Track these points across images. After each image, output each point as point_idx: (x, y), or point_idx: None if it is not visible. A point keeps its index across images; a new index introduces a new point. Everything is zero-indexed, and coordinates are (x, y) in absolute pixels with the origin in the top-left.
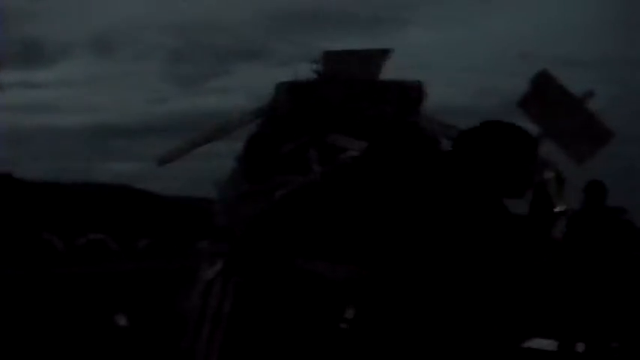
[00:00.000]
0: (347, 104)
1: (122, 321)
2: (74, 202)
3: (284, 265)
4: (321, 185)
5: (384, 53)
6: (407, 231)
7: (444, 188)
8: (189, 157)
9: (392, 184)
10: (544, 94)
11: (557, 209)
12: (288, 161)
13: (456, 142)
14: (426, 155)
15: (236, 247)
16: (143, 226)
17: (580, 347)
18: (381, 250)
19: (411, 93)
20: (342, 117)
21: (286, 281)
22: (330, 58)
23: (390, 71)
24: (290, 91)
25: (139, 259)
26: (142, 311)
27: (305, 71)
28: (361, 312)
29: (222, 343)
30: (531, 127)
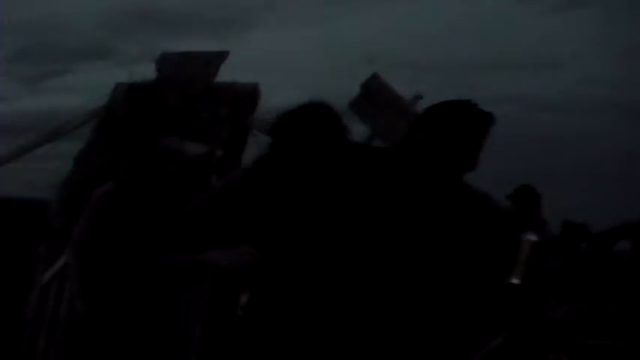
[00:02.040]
0: (182, 106)
1: None
2: None
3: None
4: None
5: (221, 55)
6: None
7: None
8: (27, 158)
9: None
10: (374, 96)
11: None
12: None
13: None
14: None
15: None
16: None
17: None
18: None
19: (245, 95)
20: (178, 119)
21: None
22: (167, 59)
23: (233, 73)
24: (127, 92)
25: None
26: None
27: (146, 72)
28: (257, 298)
29: (61, 346)
30: (362, 129)
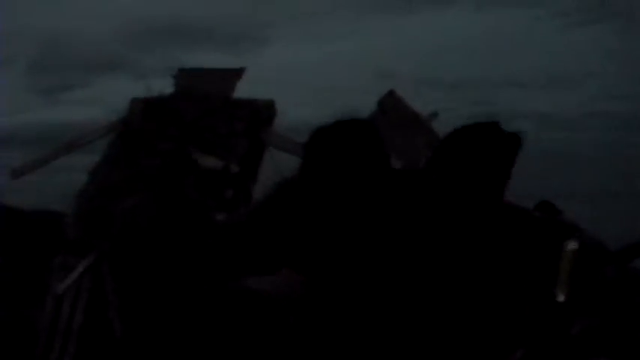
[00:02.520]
0: (200, 120)
1: None
2: None
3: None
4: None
5: (238, 72)
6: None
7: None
8: (43, 170)
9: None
10: (390, 113)
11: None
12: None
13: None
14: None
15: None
16: None
17: None
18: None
19: (262, 111)
20: (195, 133)
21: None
22: (185, 75)
23: (249, 88)
24: (144, 106)
25: None
26: None
27: (164, 86)
28: (303, 320)
29: (74, 357)
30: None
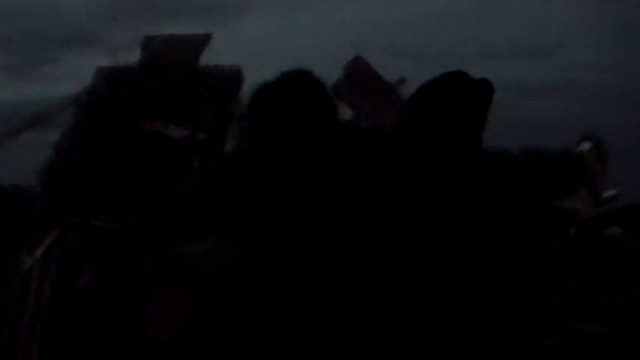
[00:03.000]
0: (165, 89)
1: None
2: None
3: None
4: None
5: (205, 39)
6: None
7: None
8: (9, 146)
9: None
10: (357, 79)
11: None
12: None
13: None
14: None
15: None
16: None
17: None
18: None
19: (228, 78)
20: (160, 102)
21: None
22: (151, 43)
23: (222, 59)
24: (108, 76)
25: None
26: None
27: (135, 59)
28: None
29: (43, 332)
30: (344, 113)
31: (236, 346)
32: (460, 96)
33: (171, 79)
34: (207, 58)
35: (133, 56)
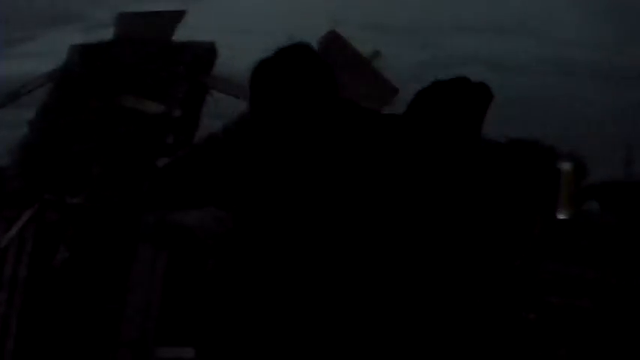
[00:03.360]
0: (139, 65)
1: None
2: None
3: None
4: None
5: (178, 14)
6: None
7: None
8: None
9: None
10: (331, 53)
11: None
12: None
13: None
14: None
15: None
16: None
17: None
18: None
19: (202, 53)
20: (135, 78)
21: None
22: (125, 19)
23: (196, 34)
24: (82, 53)
25: None
26: None
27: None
28: (224, 263)
29: (20, 309)
30: None
31: (230, 333)
32: (461, 98)
33: (145, 55)
34: (182, 34)
35: (108, 33)
